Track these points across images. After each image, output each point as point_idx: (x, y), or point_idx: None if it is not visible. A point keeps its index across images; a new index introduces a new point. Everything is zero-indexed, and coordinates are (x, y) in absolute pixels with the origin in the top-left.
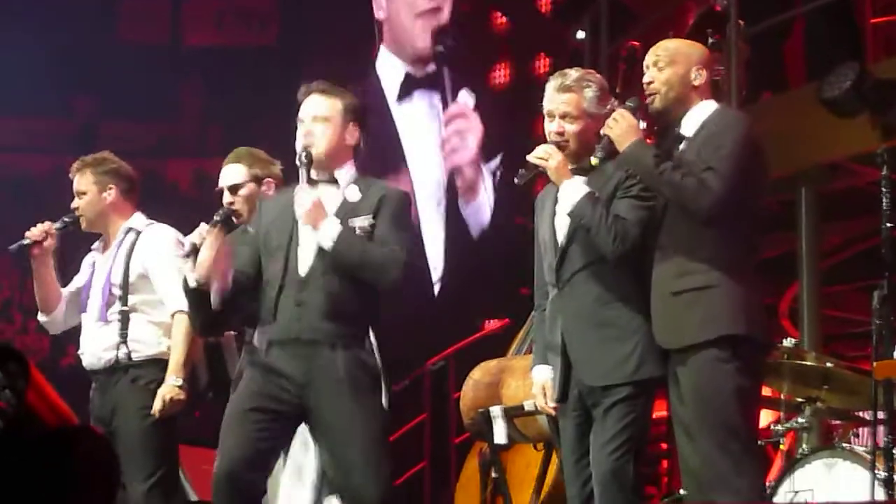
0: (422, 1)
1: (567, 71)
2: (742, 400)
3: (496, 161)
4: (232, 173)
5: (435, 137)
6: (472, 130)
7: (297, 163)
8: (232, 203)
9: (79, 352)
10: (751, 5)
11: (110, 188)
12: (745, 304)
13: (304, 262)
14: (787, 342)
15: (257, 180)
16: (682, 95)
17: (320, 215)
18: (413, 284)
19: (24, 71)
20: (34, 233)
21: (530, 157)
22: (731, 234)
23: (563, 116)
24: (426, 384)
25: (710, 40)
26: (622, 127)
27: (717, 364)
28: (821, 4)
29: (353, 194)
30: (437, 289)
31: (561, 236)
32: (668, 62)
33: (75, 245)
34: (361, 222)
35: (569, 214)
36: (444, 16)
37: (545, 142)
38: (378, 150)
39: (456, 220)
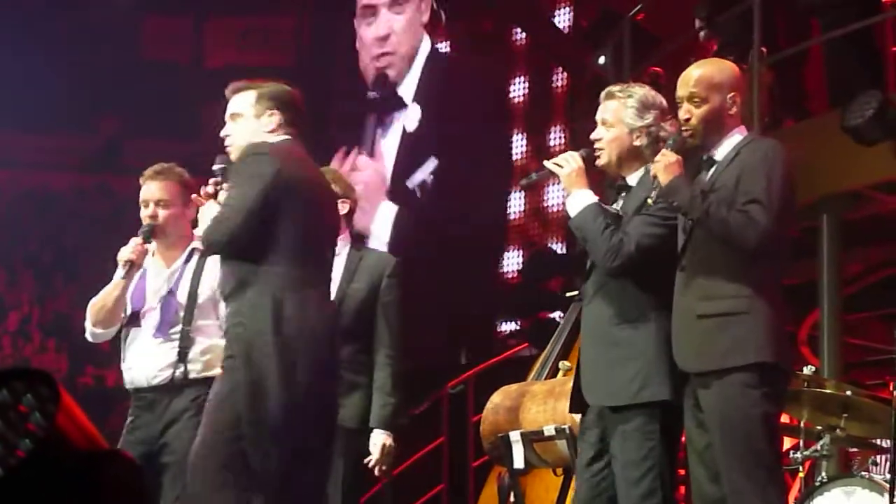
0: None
1: (620, 84)
2: (768, 427)
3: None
4: None
5: None
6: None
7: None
8: None
9: (124, 366)
10: (773, 33)
11: (191, 202)
12: (773, 331)
13: None
14: (807, 370)
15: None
16: (718, 127)
17: None
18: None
19: (49, 89)
20: (130, 255)
21: (547, 162)
22: (760, 259)
23: (603, 123)
24: (445, 407)
25: None
26: (665, 163)
27: (746, 390)
28: (842, 32)
29: None
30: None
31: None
32: (704, 97)
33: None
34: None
35: (570, 224)
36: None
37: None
38: None
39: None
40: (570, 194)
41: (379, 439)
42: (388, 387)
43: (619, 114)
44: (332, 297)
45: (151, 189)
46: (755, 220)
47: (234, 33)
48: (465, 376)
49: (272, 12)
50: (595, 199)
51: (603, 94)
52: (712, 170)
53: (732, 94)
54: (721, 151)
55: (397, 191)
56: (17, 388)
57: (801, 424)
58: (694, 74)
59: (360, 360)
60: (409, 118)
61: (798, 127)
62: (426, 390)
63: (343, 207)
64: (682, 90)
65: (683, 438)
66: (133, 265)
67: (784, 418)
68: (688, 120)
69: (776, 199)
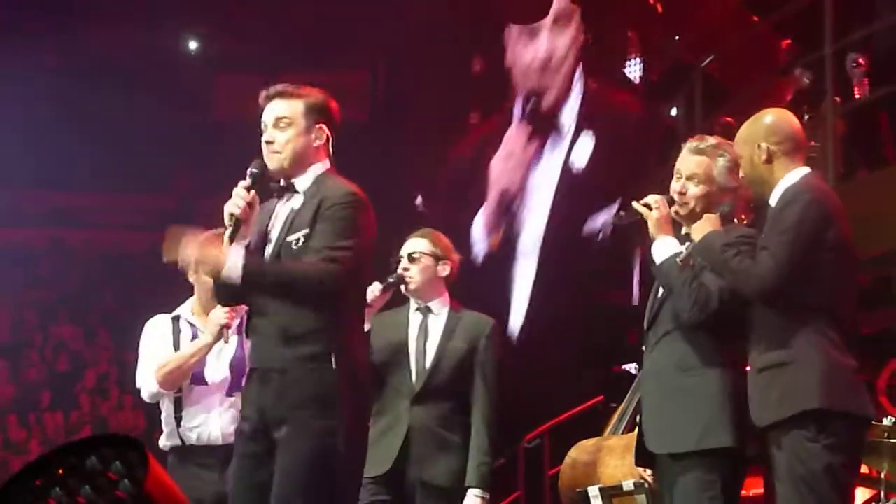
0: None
1: (707, 136)
2: (834, 478)
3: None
4: (414, 244)
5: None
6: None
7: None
8: (407, 269)
9: (194, 425)
10: (847, 82)
11: None
12: (825, 377)
13: None
14: (887, 421)
15: (436, 258)
16: (757, 178)
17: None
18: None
19: (123, 150)
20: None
21: (636, 203)
22: (806, 308)
23: (690, 178)
24: (521, 461)
25: (806, 116)
26: (702, 223)
27: (806, 444)
28: None
29: (298, 200)
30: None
31: (654, 299)
32: (737, 160)
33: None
34: (296, 236)
35: (655, 270)
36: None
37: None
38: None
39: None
40: (657, 240)
41: (474, 501)
42: (485, 446)
43: (711, 171)
44: (432, 354)
45: None
46: (759, 267)
47: None
48: (541, 429)
49: (343, 68)
50: (681, 248)
51: (691, 146)
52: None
53: (759, 144)
54: (774, 196)
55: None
56: (106, 454)
57: (882, 476)
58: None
59: (454, 420)
60: (578, 153)
61: (872, 176)
62: (503, 443)
63: (443, 270)
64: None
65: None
66: (226, 328)
67: (863, 469)
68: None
69: (788, 245)
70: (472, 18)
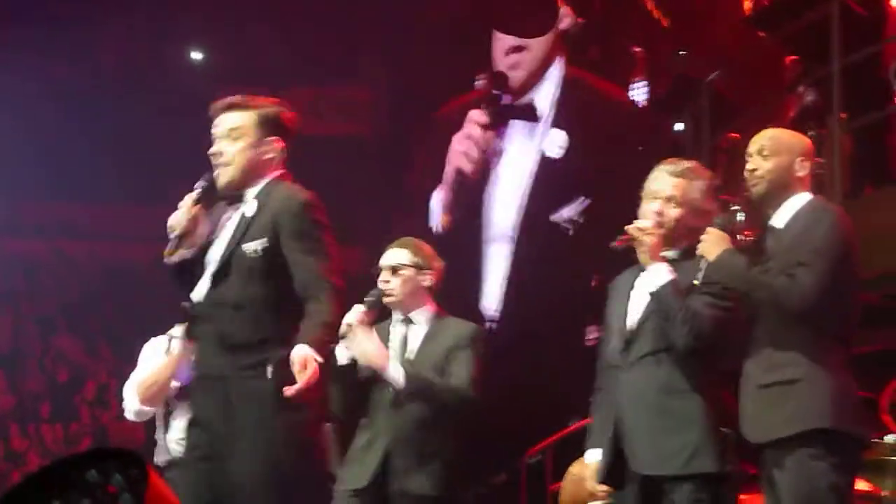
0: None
1: (680, 160)
2: (838, 498)
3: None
4: (395, 256)
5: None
6: None
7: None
8: (388, 282)
9: (180, 437)
10: (853, 99)
11: None
12: (835, 397)
13: None
14: (890, 438)
15: (418, 268)
16: (783, 184)
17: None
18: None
19: (124, 160)
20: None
21: (630, 227)
22: (820, 327)
23: (669, 200)
24: (523, 477)
25: (811, 133)
26: (711, 240)
27: (812, 462)
28: None
29: (251, 208)
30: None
31: (633, 319)
32: (773, 151)
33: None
34: (253, 246)
35: (651, 295)
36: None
37: None
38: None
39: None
40: (650, 266)
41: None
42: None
43: (688, 194)
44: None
45: None
46: (799, 283)
47: (306, 102)
48: (542, 445)
49: (345, 82)
50: (673, 275)
51: (667, 169)
52: (771, 239)
53: (802, 158)
54: (781, 218)
55: (528, 224)
56: (107, 468)
57: (885, 493)
58: (766, 133)
59: (435, 427)
60: (552, 143)
61: (879, 193)
62: (504, 460)
63: (426, 280)
64: (752, 146)
65: None
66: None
67: (866, 486)
68: (754, 171)
69: (825, 262)
70: (475, 34)
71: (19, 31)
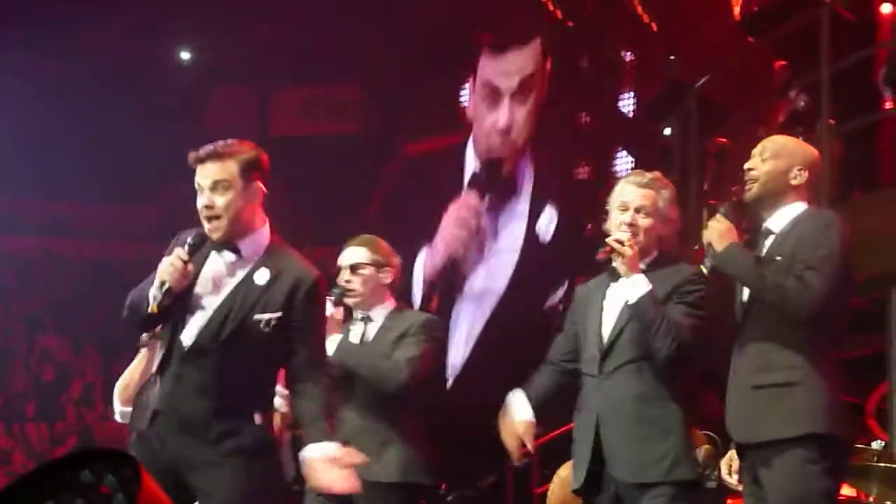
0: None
1: (644, 172)
2: (829, 502)
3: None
4: (354, 254)
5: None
6: None
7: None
8: (349, 282)
9: None
10: (842, 104)
11: None
12: (828, 402)
13: None
14: (876, 444)
15: (378, 266)
16: (778, 190)
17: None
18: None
19: (112, 159)
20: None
21: (610, 240)
22: (815, 331)
23: (638, 210)
24: (509, 480)
25: (800, 139)
26: (720, 230)
27: (805, 465)
28: None
29: (262, 276)
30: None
31: (608, 328)
32: (772, 155)
33: None
34: (267, 318)
35: (630, 306)
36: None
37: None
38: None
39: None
40: (629, 278)
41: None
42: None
43: (657, 204)
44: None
45: None
46: (810, 286)
47: (299, 102)
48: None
49: (335, 81)
50: (650, 286)
51: (635, 180)
52: (769, 241)
53: (801, 167)
54: (778, 222)
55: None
56: (99, 468)
57: (871, 499)
58: (773, 137)
59: (387, 415)
60: (545, 222)
61: (867, 198)
62: (491, 463)
63: (386, 277)
64: (756, 148)
65: None
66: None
67: (852, 492)
68: (751, 171)
69: (832, 267)
70: (464, 33)
71: (9, 32)
